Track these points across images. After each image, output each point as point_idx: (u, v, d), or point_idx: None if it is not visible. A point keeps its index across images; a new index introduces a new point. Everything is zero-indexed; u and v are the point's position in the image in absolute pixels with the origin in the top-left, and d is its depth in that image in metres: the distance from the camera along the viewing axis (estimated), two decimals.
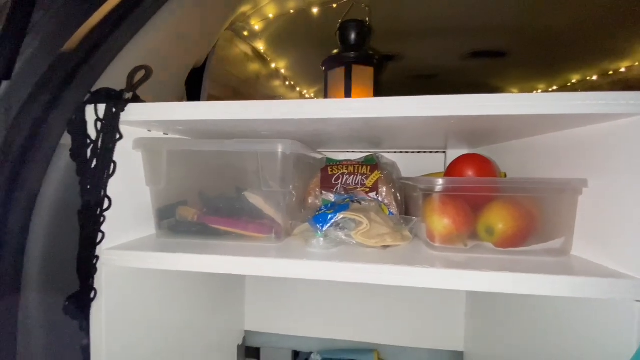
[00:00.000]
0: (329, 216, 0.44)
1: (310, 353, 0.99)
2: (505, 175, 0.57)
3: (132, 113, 0.42)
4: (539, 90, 2.06)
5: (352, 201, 0.50)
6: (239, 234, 0.48)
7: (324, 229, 0.44)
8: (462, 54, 1.73)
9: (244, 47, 1.04)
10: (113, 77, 0.49)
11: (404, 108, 0.36)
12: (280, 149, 0.44)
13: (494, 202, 0.41)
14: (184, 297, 0.64)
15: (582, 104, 0.33)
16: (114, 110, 0.41)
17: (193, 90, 0.76)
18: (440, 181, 0.41)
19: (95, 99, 0.43)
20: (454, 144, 0.76)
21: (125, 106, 0.42)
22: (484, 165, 0.47)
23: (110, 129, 0.42)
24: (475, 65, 1.84)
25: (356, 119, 0.38)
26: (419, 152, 0.86)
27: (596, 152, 0.39)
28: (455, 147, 0.83)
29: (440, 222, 0.42)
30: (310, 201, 0.60)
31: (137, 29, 0.52)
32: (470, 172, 0.47)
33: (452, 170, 0.50)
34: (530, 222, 0.40)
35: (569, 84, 1.78)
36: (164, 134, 0.55)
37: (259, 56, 1.16)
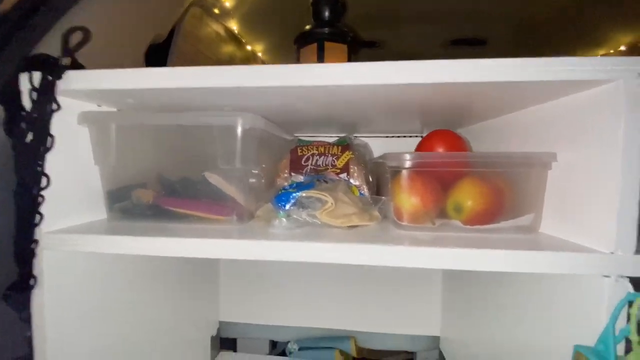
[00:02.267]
0: (291, 195, 0.41)
1: (288, 342, 0.98)
2: None
3: (73, 81, 0.38)
4: None
5: (319, 181, 0.47)
6: (198, 216, 0.45)
7: (287, 208, 0.41)
8: (443, 42, 1.73)
9: (215, 26, 0.98)
10: (56, 45, 0.44)
11: (368, 75, 0.34)
12: (239, 122, 0.41)
13: (462, 179, 0.40)
14: (147, 286, 0.60)
15: (548, 70, 0.31)
16: (49, 78, 0.37)
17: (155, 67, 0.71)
18: (407, 156, 0.39)
19: (29, 66, 0.38)
20: (431, 126, 0.74)
21: (62, 73, 0.37)
22: (454, 141, 0.46)
23: (46, 99, 0.37)
24: (456, 54, 1.83)
25: (320, 87, 0.35)
26: (397, 137, 0.85)
27: (566, 126, 0.38)
28: (433, 129, 0.82)
29: (408, 200, 0.40)
30: (279, 183, 0.57)
31: None
32: (440, 149, 0.45)
33: (422, 146, 0.48)
34: (499, 199, 0.39)
35: None
36: (117, 110, 0.51)
37: (233, 37, 1.11)
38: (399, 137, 0.83)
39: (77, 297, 0.44)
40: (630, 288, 0.31)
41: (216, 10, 0.92)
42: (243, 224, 0.45)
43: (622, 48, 1.48)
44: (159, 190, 0.48)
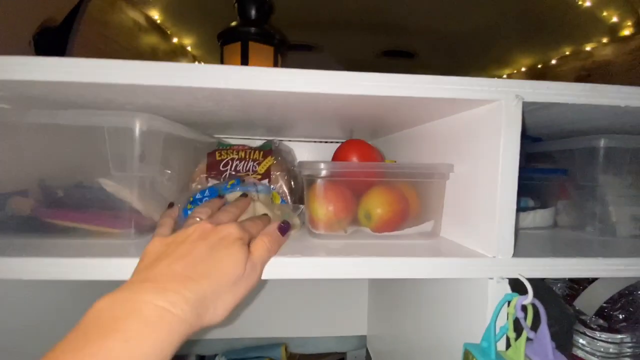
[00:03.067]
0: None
1: (215, 355, 0.93)
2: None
3: None
4: None
5: (236, 186, 0.45)
6: (88, 229, 0.40)
7: None
8: (377, 52, 1.81)
9: (133, 14, 0.89)
10: None
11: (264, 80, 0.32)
12: (137, 124, 0.36)
13: (372, 188, 0.41)
14: (45, 307, 0.51)
15: (438, 87, 0.33)
16: None
17: (49, 53, 0.61)
18: (322, 165, 0.39)
19: None
20: (357, 133, 0.76)
21: None
22: (366, 151, 0.47)
23: None
24: (389, 64, 1.94)
25: (219, 90, 0.33)
26: (326, 142, 0.85)
27: (462, 139, 0.41)
28: (360, 137, 0.84)
29: (321, 208, 0.40)
30: (193, 187, 0.53)
31: None
32: (354, 158, 0.46)
33: (337, 155, 0.48)
34: (404, 207, 0.40)
35: None
36: None
37: (156, 27, 1.02)
38: (327, 142, 0.84)
39: None
40: (508, 289, 0.34)
41: None
42: (143, 237, 0.40)
43: (523, 69, 1.71)
44: (41, 199, 0.41)
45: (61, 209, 0.40)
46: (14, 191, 0.42)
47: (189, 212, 0.41)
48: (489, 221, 0.35)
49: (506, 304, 0.34)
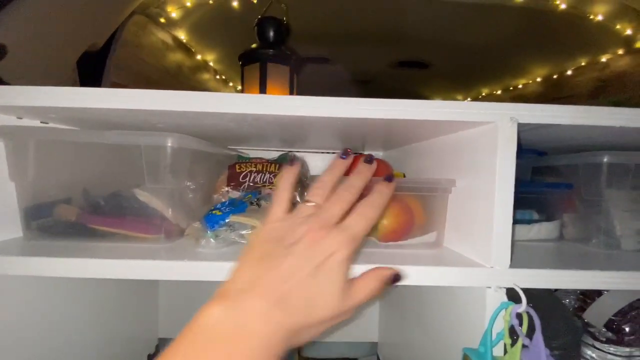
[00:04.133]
0: (219, 218, 0.43)
1: None
2: (404, 175, 0.62)
3: None
4: (460, 99, 2.29)
5: (253, 202, 0.49)
6: (124, 234, 0.45)
7: (214, 229, 0.42)
8: (391, 63, 1.85)
9: (162, 35, 0.97)
10: None
11: (282, 106, 0.36)
12: (169, 143, 0.41)
13: None
14: (73, 306, 0.57)
15: (437, 111, 0.36)
16: None
17: (91, 76, 0.68)
18: None
19: None
20: (371, 145, 0.80)
21: None
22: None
23: None
24: (404, 74, 1.97)
25: (242, 114, 0.38)
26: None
27: (463, 155, 0.44)
28: (373, 149, 0.87)
29: None
30: (216, 198, 0.58)
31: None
32: None
33: (347, 170, 0.52)
34: (409, 218, 0.43)
35: (480, 97, 2.00)
36: (41, 122, 0.49)
37: (181, 46, 1.09)
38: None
39: None
40: (505, 298, 0.37)
41: (162, 20, 0.90)
42: (172, 242, 0.45)
43: (539, 79, 1.70)
44: (84, 206, 0.47)
45: (101, 215, 0.45)
46: (59, 199, 0.48)
47: (208, 222, 0.45)
48: (487, 233, 0.38)
49: (503, 312, 0.36)
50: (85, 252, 0.39)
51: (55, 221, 0.46)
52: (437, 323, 0.49)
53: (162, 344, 0.93)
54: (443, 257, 0.42)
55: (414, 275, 0.37)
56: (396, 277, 0.32)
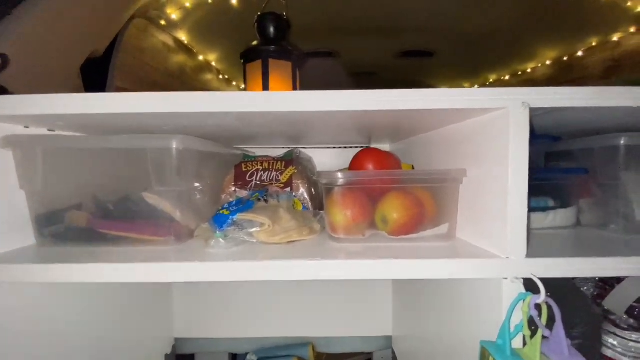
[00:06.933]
0: (227, 218, 0.42)
1: (247, 354, 0.98)
2: (413, 167, 0.61)
3: None
4: (466, 86, 2.24)
5: (260, 199, 0.49)
6: (135, 238, 0.45)
7: (223, 229, 0.42)
8: (395, 53, 1.82)
9: (163, 37, 0.97)
10: None
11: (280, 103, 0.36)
12: (174, 144, 0.41)
13: (388, 194, 0.43)
14: (90, 309, 0.58)
15: (445, 99, 0.35)
16: None
17: (95, 82, 0.69)
18: (339, 175, 0.42)
19: None
20: (377, 138, 0.79)
21: None
22: (380, 158, 0.49)
23: None
24: (408, 64, 1.94)
25: (248, 113, 0.37)
26: (345, 147, 0.88)
27: (473, 144, 0.43)
28: (379, 142, 0.86)
29: (339, 214, 0.42)
30: (224, 198, 0.58)
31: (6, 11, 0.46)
32: (369, 165, 0.49)
33: (353, 164, 0.51)
34: (420, 211, 0.43)
35: (487, 83, 1.96)
36: (48, 130, 0.49)
37: (183, 47, 1.09)
38: (347, 147, 0.87)
39: (6, 326, 0.42)
40: (522, 288, 0.36)
41: (163, 22, 0.90)
42: (181, 243, 0.45)
43: (548, 62, 1.65)
44: (94, 212, 0.47)
45: (111, 220, 0.45)
46: (70, 206, 0.48)
47: (216, 222, 0.44)
48: (501, 223, 0.37)
49: (521, 303, 0.35)
50: (98, 257, 0.40)
51: (67, 228, 0.47)
52: (452, 316, 0.49)
53: (179, 343, 0.95)
54: (456, 249, 0.41)
55: (427, 270, 0.37)
56: None
